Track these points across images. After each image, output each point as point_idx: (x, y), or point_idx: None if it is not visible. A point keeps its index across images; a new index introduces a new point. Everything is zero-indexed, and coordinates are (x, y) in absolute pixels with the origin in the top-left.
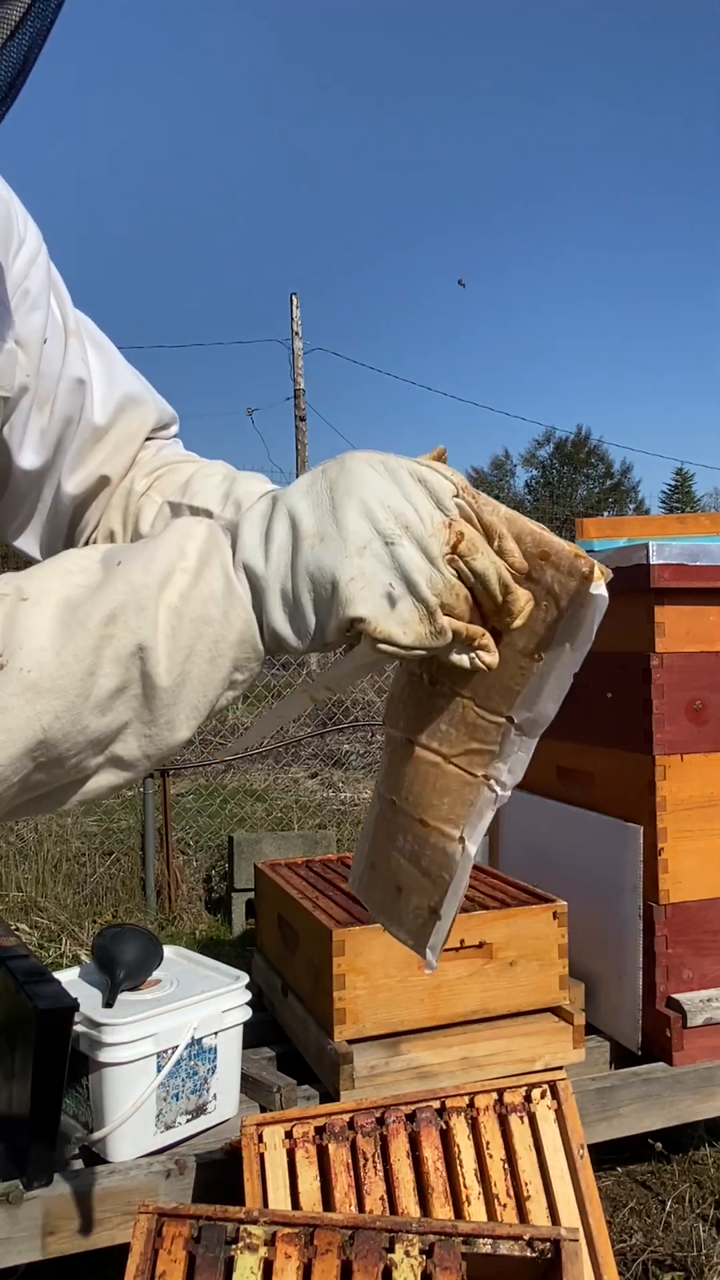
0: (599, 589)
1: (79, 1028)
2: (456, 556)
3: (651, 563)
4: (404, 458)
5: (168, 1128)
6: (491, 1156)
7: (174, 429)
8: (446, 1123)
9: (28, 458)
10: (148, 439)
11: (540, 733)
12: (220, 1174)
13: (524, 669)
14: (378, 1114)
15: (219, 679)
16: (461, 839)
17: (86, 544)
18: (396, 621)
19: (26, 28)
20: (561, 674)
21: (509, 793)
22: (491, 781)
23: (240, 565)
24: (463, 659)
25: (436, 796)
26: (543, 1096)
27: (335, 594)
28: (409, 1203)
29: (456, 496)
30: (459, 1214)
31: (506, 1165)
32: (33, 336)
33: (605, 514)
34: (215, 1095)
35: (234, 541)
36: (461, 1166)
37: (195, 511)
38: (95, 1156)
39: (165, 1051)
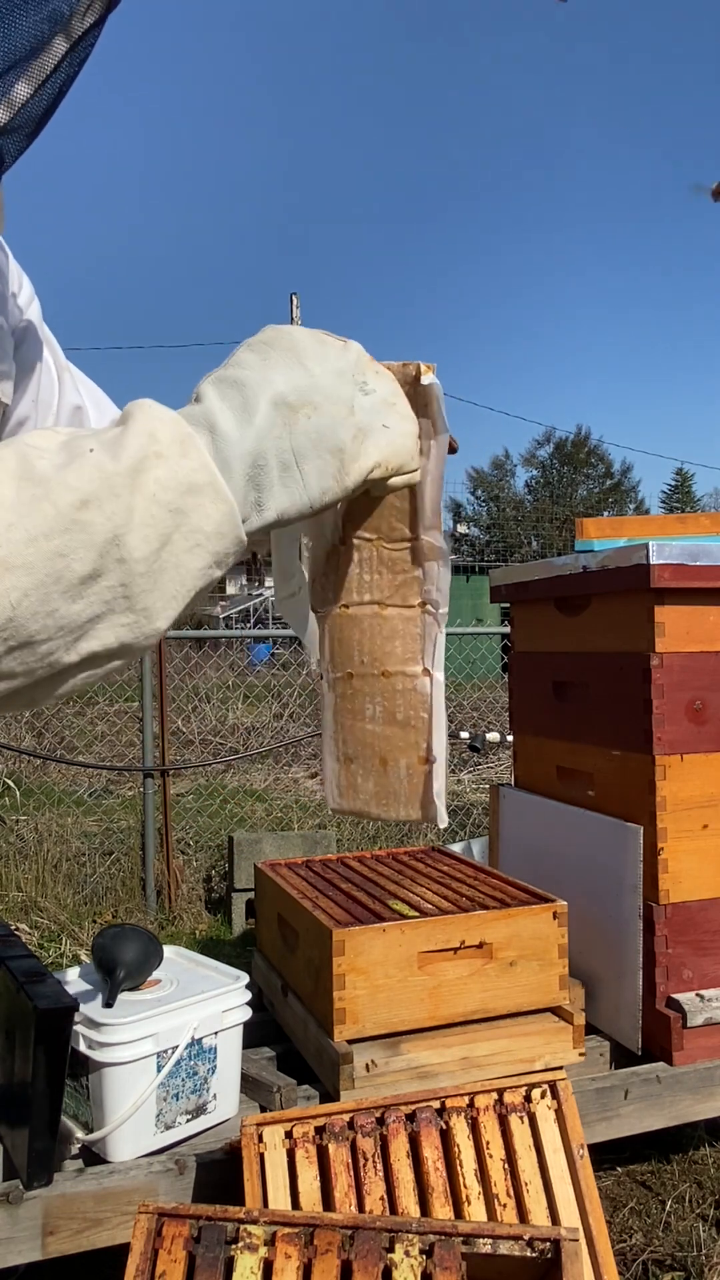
0: (428, 379)
1: (79, 1028)
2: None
3: (651, 563)
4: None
5: (168, 1128)
6: (491, 1156)
7: None
8: (446, 1123)
9: None
10: None
11: (441, 540)
12: (220, 1174)
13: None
14: (378, 1114)
15: (197, 568)
16: (425, 670)
17: None
18: (396, 451)
19: (55, 79)
20: (435, 475)
21: (445, 609)
22: (426, 606)
23: (224, 452)
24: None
25: (387, 643)
26: (543, 1096)
27: (343, 454)
28: (409, 1203)
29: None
30: (459, 1214)
31: (506, 1165)
32: (29, 364)
33: (605, 514)
34: (215, 1095)
35: (211, 428)
36: (461, 1166)
37: None
38: (95, 1156)
39: (165, 1051)
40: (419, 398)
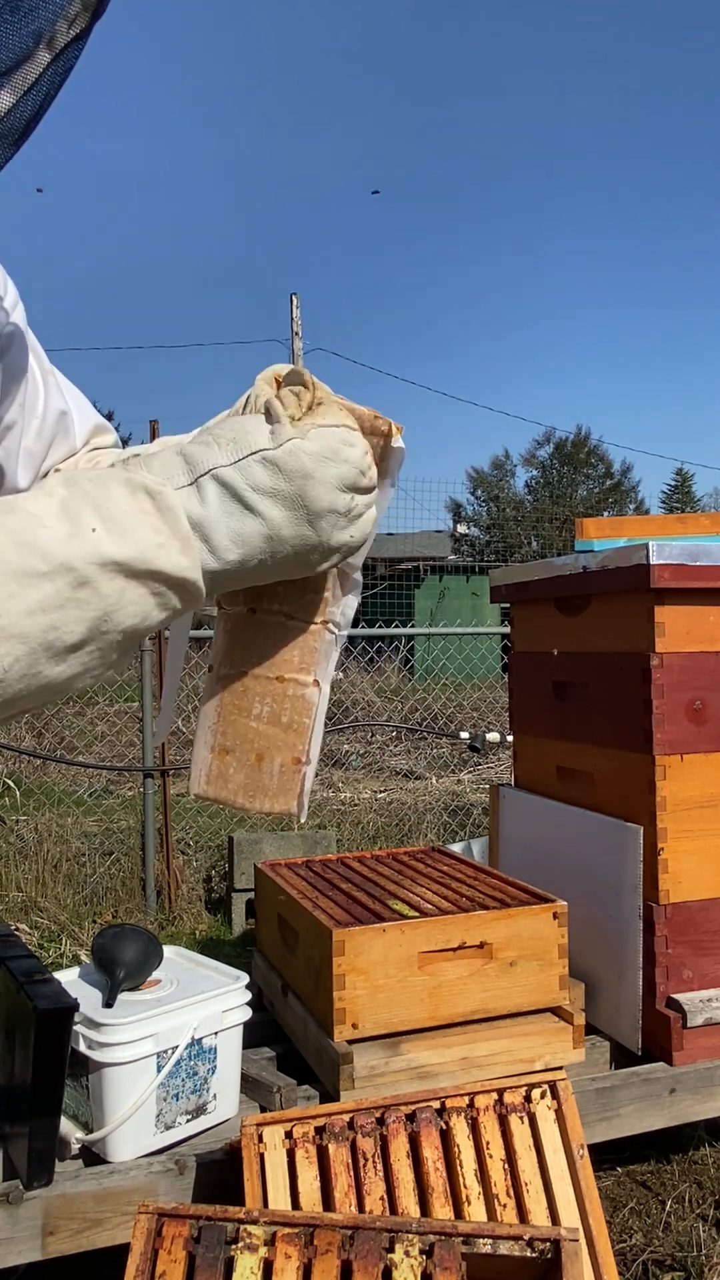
0: (398, 442)
1: (79, 1028)
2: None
3: (651, 563)
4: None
5: (168, 1128)
6: (491, 1156)
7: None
8: (446, 1123)
9: (22, 479)
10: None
11: (359, 574)
12: (220, 1174)
13: None
14: (378, 1114)
15: (160, 621)
16: (315, 681)
17: None
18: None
19: (39, 87)
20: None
21: (345, 633)
22: (329, 625)
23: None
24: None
25: (287, 652)
26: (543, 1096)
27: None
28: (409, 1203)
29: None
30: (459, 1214)
31: (506, 1165)
32: (16, 370)
33: (605, 514)
34: (215, 1095)
35: (204, 539)
36: (461, 1166)
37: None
38: (95, 1156)
39: (165, 1051)
40: (384, 453)
